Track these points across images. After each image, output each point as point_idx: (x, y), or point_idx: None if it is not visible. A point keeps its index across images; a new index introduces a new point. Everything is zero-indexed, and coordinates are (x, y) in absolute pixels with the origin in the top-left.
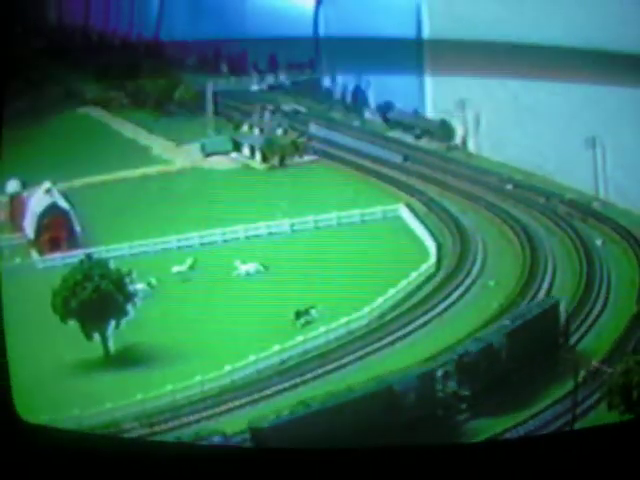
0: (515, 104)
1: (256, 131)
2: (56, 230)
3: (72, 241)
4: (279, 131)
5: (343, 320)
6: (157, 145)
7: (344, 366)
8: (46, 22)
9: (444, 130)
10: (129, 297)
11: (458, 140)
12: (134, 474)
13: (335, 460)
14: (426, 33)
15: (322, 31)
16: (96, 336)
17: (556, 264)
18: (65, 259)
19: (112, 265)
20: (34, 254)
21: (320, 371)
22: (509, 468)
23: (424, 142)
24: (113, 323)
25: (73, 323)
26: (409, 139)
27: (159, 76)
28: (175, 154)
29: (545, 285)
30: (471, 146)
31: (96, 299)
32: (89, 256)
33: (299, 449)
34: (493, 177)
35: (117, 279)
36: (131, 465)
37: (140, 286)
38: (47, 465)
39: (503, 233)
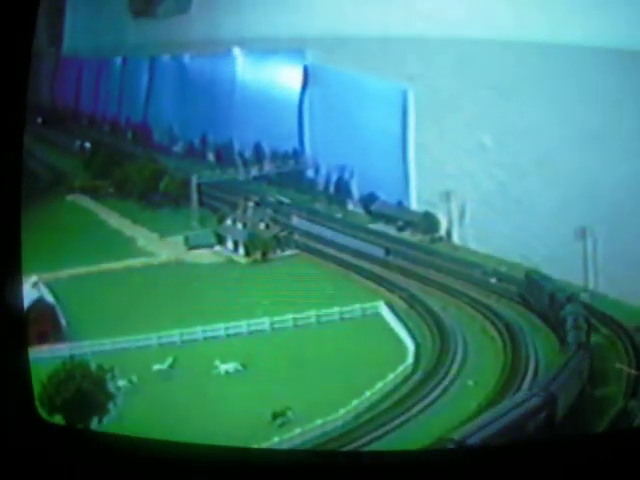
0: (502, 195)
1: (239, 225)
2: (43, 324)
3: (58, 334)
4: (262, 225)
5: (318, 421)
6: (141, 236)
7: None
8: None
9: (428, 222)
10: (110, 396)
11: (442, 232)
12: (153, 474)
13: None
14: (411, 122)
15: (306, 120)
16: None
17: (539, 361)
18: (52, 352)
19: (94, 364)
20: None
21: None
22: None
23: (407, 234)
24: (96, 420)
25: (59, 418)
26: (392, 231)
27: (145, 164)
28: (159, 246)
29: (526, 384)
30: (455, 238)
31: (78, 398)
32: (72, 356)
33: None
34: (477, 270)
35: (98, 379)
36: (150, 465)
37: (121, 383)
38: (67, 464)
39: (485, 330)
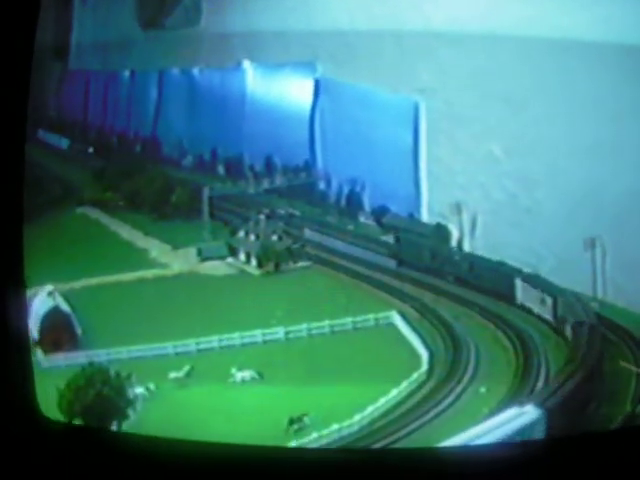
0: (513, 205)
1: (252, 237)
2: (58, 332)
3: (73, 343)
4: (274, 237)
5: (335, 427)
6: (154, 248)
7: None
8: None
9: (439, 234)
10: (130, 402)
11: (453, 243)
12: (157, 472)
13: None
14: (423, 134)
15: (318, 133)
16: None
17: (549, 369)
18: (68, 360)
19: (112, 370)
20: (39, 353)
21: None
22: None
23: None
24: (115, 425)
25: (78, 422)
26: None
27: (155, 177)
28: (171, 258)
29: (536, 391)
30: (466, 249)
31: (98, 404)
32: (91, 362)
33: None
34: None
35: (118, 385)
36: (154, 463)
37: (139, 390)
38: (70, 463)
39: (497, 339)
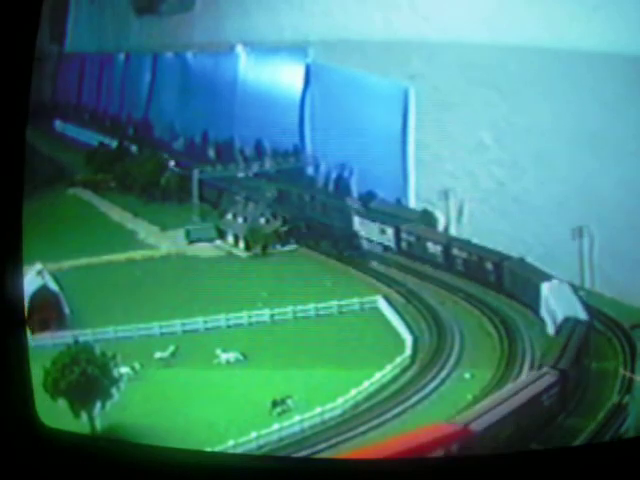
0: (501, 193)
1: (240, 220)
2: (46, 311)
3: (61, 322)
4: (262, 220)
5: (318, 410)
6: (142, 229)
7: (316, 454)
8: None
9: (426, 220)
10: (114, 381)
11: (440, 230)
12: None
13: None
14: (412, 120)
15: (307, 118)
16: (83, 415)
17: (534, 355)
18: (54, 339)
19: (98, 349)
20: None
21: None
22: None
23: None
24: (99, 404)
25: (62, 401)
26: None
27: (146, 159)
28: (159, 239)
29: (521, 378)
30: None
31: (83, 382)
32: (76, 341)
33: None
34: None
35: (102, 364)
36: (147, 472)
37: (124, 370)
38: (66, 470)
39: (482, 325)
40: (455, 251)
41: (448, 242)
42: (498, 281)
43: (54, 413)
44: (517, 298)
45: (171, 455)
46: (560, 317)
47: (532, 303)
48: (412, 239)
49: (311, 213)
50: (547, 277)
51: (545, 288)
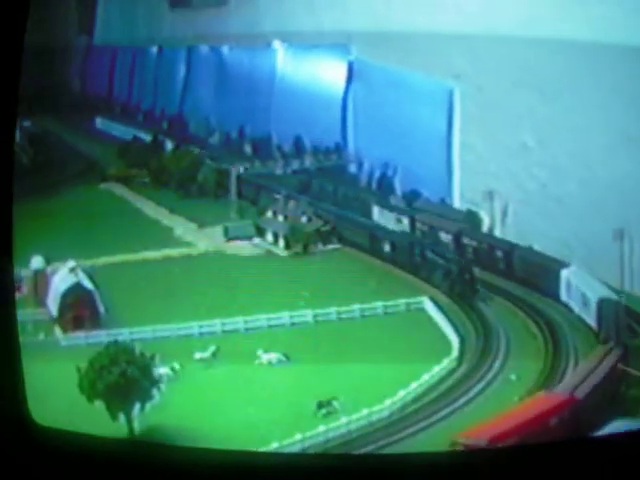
0: (543, 195)
1: (280, 218)
2: (80, 309)
3: (95, 321)
4: (303, 219)
5: (364, 412)
6: (179, 226)
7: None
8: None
9: (471, 221)
10: (154, 382)
11: (484, 231)
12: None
13: None
14: (456, 121)
15: (350, 116)
16: (121, 417)
17: (578, 358)
18: (88, 338)
19: (137, 350)
20: (57, 331)
21: None
22: None
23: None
24: (138, 406)
25: (99, 403)
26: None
27: (182, 154)
28: (197, 237)
29: (566, 379)
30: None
31: (122, 384)
32: (115, 341)
33: None
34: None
35: (143, 365)
36: (145, 470)
37: (164, 370)
38: (59, 469)
39: (527, 327)
40: (465, 240)
41: (458, 231)
42: (509, 268)
43: (90, 416)
44: (533, 284)
45: (211, 457)
46: (592, 299)
47: (549, 289)
48: (425, 228)
49: (352, 212)
50: (564, 264)
51: (564, 274)
